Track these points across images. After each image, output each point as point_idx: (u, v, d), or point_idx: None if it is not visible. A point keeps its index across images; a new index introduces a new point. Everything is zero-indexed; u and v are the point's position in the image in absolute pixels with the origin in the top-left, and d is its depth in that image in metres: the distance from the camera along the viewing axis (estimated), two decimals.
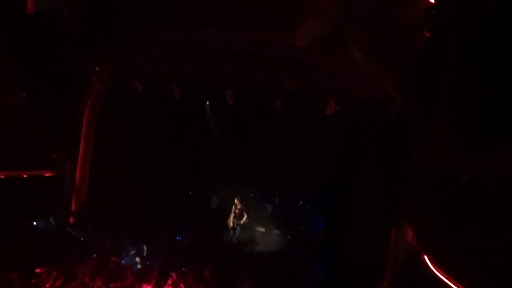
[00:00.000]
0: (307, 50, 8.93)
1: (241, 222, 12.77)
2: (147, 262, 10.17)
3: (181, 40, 10.07)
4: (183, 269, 9.11)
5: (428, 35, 7.67)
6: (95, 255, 10.06)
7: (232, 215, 12.79)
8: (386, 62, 8.16)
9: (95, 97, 11.34)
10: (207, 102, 12.59)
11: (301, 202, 13.17)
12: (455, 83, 7.77)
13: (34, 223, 11.15)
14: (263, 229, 13.22)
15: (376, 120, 9.97)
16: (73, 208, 11.71)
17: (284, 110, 10.79)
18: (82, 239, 11.17)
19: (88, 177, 11.78)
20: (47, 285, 8.32)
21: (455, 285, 6.96)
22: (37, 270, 8.73)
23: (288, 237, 12.68)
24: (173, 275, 8.83)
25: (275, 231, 13.00)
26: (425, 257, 7.81)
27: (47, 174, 11.04)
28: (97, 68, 10.81)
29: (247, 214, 12.78)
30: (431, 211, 8.23)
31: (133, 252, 10.84)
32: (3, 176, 9.89)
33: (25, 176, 10.51)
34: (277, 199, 13.48)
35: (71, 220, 11.66)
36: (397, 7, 7.53)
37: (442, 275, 7.31)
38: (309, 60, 9.44)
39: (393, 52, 7.92)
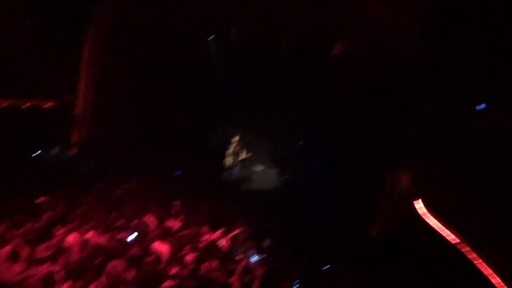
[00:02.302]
0: None
1: (239, 159, 12.99)
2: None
3: None
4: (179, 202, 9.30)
5: None
6: (97, 186, 10.30)
7: (230, 153, 12.98)
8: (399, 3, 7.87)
9: (97, 28, 11.07)
10: (210, 38, 12.28)
11: (300, 143, 13.24)
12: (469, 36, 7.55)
13: (38, 153, 11.32)
14: (262, 168, 13.43)
15: (383, 62, 9.74)
16: (74, 139, 11.83)
17: (290, 50, 10.56)
18: (83, 170, 11.40)
19: (90, 109, 11.77)
20: (51, 213, 8.54)
21: (449, 230, 7.20)
22: (41, 199, 8.99)
23: (286, 176, 12.87)
24: (176, 205, 9.05)
25: (273, 171, 13.19)
26: (420, 201, 7.99)
27: (49, 104, 11.07)
28: None
29: (245, 153, 12.96)
30: (428, 158, 8.35)
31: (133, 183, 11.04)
32: (6, 104, 9.94)
33: (28, 104, 10.54)
34: (277, 139, 13.54)
35: (73, 151, 11.83)
36: None
37: (436, 220, 7.53)
38: None
39: None
